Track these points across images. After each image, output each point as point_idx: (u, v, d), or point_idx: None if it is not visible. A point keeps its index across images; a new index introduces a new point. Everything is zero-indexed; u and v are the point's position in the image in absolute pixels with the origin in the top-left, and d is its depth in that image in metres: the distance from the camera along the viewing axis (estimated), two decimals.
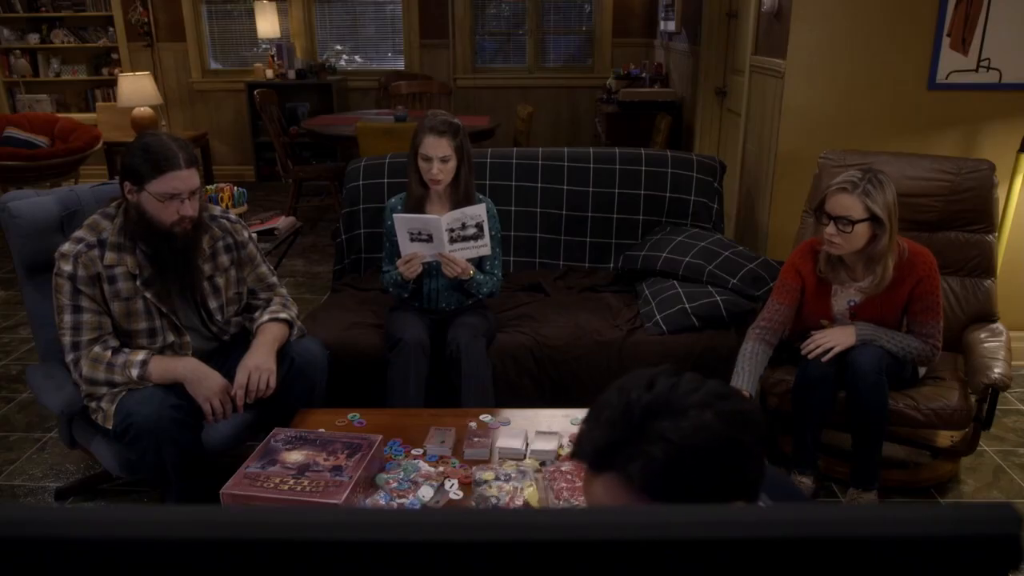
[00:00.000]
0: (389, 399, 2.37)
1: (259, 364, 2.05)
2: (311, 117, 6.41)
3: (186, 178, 1.95)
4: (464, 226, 2.37)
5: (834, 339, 2.21)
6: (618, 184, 3.12)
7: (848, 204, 2.13)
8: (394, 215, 2.37)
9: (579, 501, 1.72)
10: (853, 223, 2.13)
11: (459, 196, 2.47)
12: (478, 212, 2.39)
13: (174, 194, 1.94)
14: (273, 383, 2.06)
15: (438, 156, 2.39)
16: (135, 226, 1.99)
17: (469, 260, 2.44)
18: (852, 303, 2.29)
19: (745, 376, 2.26)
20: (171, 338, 2.08)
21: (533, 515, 0.44)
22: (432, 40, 6.85)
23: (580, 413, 2.12)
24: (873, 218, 2.14)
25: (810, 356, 2.22)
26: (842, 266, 2.28)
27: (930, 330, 2.24)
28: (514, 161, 3.17)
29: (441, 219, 2.33)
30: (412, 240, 2.36)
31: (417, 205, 2.49)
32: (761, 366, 2.30)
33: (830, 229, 2.17)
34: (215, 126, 6.96)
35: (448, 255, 2.37)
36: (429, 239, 2.36)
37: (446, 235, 2.35)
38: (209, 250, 2.15)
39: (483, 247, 2.43)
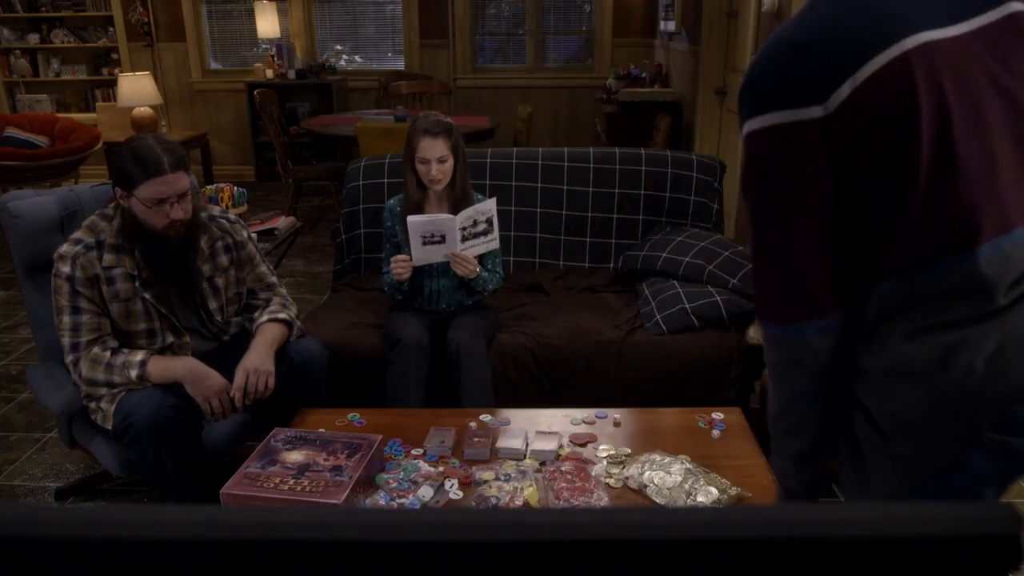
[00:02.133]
0: (389, 399, 2.37)
1: (258, 366, 2.05)
2: (311, 117, 6.41)
3: (172, 182, 1.94)
4: (476, 223, 2.38)
5: None
6: (618, 184, 3.13)
7: None
8: (408, 218, 2.35)
9: (579, 501, 1.72)
10: None
11: (456, 195, 2.48)
12: (488, 207, 2.39)
13: (161, 199, 1.93)
14: (272, 384, 2.05)
15: (435, 157, 2.39)
16: (131, 229, 1.99)
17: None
18: None
19: None
20: (170, 339, 2.08)
21: (533, 515, 0.44)
22: (432, 40, 6.85)
23: (580, 413, 2.14)
24: None
25: None
26: None
27: None
28: (514, 161, 3.17)
29: (455, 219, 2.33)
30: (425, 244, 2.35)
31: (416, 208, 2.49)
32: None
33: None
34: (215, 126, 6.96)
35: (460, 253, 2.37)
36: (442, 240, 2.35)
37: (459, 234, 2.35)
38: (208, 250, 2.15)
39: (492, 241, 2.43)
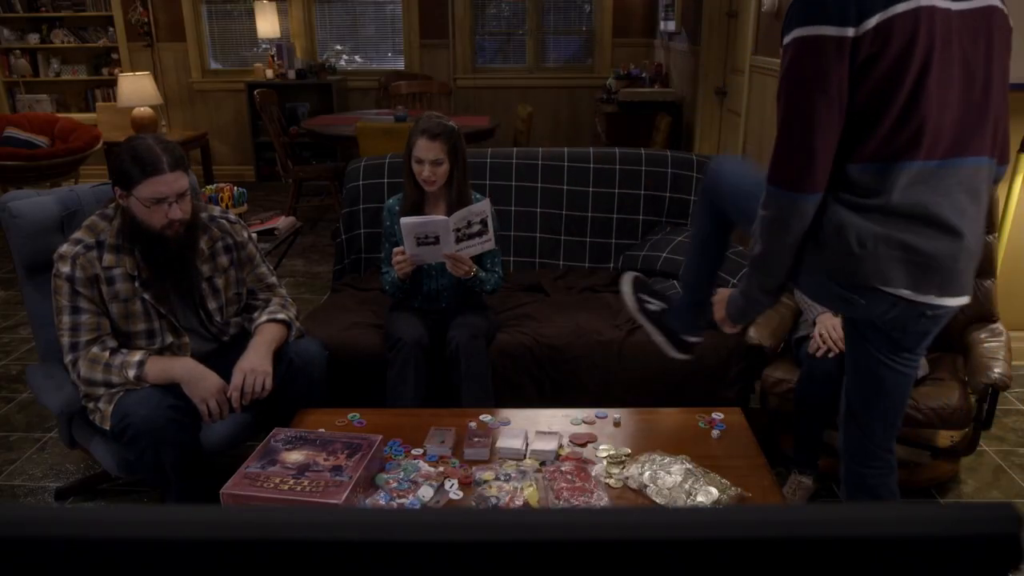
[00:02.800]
0: (389, 399, 2.37)
1: (255, 366, 2.04)
2: (311, 117, 6.41)
3: (171, 182, 1.94)
4: (469, 224, 2.38)
5: (837, 336, 2.21)
6: (618, 184, 3.13)
7: None
8: (401, 220, 2.36)
9: (579, 501, 1.72)
10: None
11: (453, 198, 2.48)
12: (482, 208, 2.40)
13: (160, 199, 1.93)
14: (269, 385, 2.05)
15: (430, 159, 2.40)
16: (130, 229, 1.99)
17: (471, 257, 2.44)
18: None
19: (813, 304, 2.32)
20: (170, 339, 2.08)
21: (533, 515, 0.44)
22: (432, 40, 6.85)
23: (580, 413, 2.14)
24: None
25: (818, 355, 2.22)
26: None
27: None
28: (514, 161, 3.17)
29: (448, 220, 2.33)
30: (419, 244, 2.36)
31: (414, 207, 2.49)
32: None
33: None
34: (215, 126, 6.96)
35: (455, 254, 2.37)
36: (436, 241, 2.36)
37: (452, 235, 2.35)
38: (208, 251, 2.15)
39: (487, 242, 2.43)
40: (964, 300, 1.49)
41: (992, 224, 2.57)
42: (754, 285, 1.58)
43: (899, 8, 1.31)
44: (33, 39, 6.75)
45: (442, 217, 2.36)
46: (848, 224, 1.41)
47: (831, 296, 1.50)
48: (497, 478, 1.82)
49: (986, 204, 1.49)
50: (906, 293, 1.42)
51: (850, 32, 1.31)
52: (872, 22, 1.31)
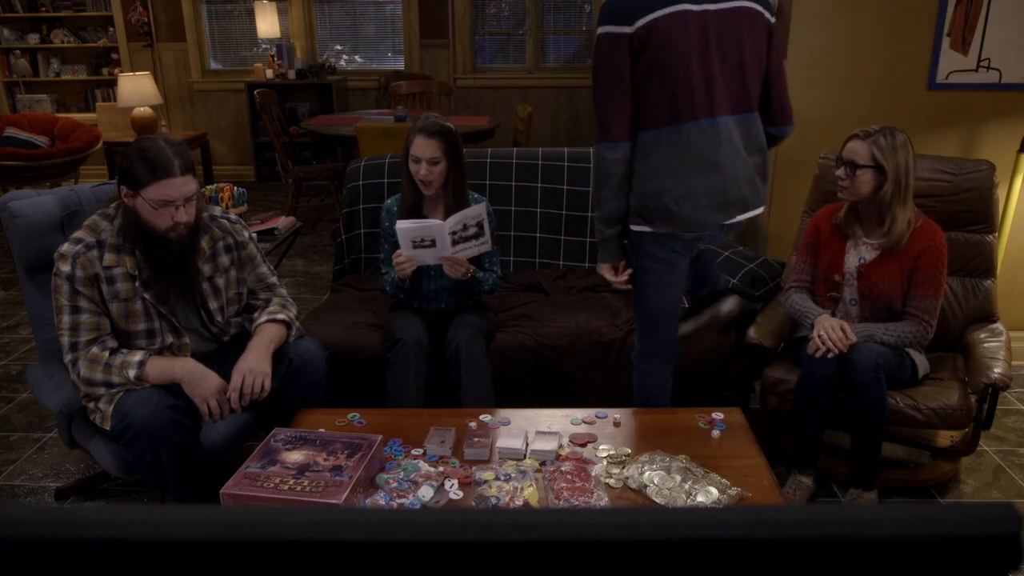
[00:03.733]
0: (389, 399, 2.37)
1: (253, 367, 2.04)
2: (311, 117, 6.41)
3: (180, 186, 1.94)
4: (466, 227, 2.38)
5: (837, 337, 2.21)
6: None
7: (856, 149, 2.26)
8: (397, 225, 2.36)
9: (579, 501, 1.72)
10: (857, 167, 2.24)
11: (450, 199, 2.47)
12: (478, 211, 2.40)
13: (168, 201, 1.93)
14: (268, 386, 2.05)
15: (427, 157, 2.39)
16: (132, 229, 1.99)
17: (469, 258, 2.44)
18: (863, 260, 2.34)
19: (809, 308, 2.38)
20: (170, 339, 2.08)
21: (533, 515, 0.44)
22: (432, 40, 6.85)
23: (580, 413, 2.14)
24: (878, 167, 2.23)
25: (817, 355, 2.22)
26: (856, 222, 2.37)
27: (927, 305, 2.27)
28: (514, 161, 3.17)
29: (444, 224, 2.33)
30: (415, 248, 2.36)
31: (412, 208, 2.49)
32: (812, 303, 2.43)
33: (840, 172, 2.30)
34: (215, 126, 6.96)
35: (451, 256, 2.37)
36: (432, 244, 2.36)
37: (449, 238, 2.35)
38: (209, 251, 2.15)
39: (484, 244, 2.44)
40: (758, 211, 2.07)
41: (992, 224, 2.57)
42: (597, 218, 2.07)
43: (658, 13, 1.85)
44: (33, 39, 6.75)
45: (438, 221, 2.36)
46: (663, 190, 1.93)
47: (688, 247, 2.04)
48: (497, 478, 1.82)
49: (749, 146, 1.99)
50: (721, 219, 1.99)
51: (627, 30, 1.86)
52: (640, 22, 1.85)
